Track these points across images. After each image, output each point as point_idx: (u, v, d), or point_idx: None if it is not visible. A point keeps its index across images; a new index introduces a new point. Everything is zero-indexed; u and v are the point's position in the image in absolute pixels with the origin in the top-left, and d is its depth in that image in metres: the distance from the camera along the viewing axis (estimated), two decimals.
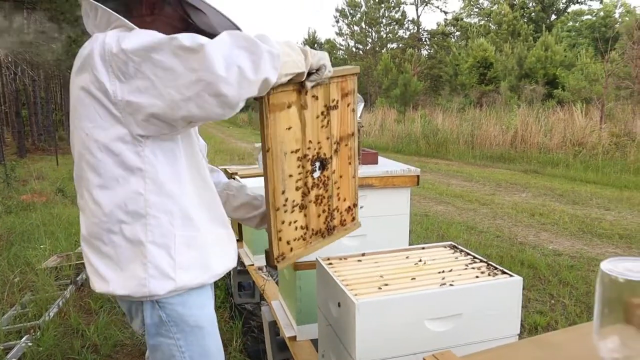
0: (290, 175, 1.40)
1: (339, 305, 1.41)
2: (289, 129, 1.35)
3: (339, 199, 1.58)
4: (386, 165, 2.23)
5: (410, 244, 2.08)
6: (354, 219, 1.65)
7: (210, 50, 1.00)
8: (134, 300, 1.18)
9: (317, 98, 1.42)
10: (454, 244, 1.79)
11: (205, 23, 1.20)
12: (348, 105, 1.52)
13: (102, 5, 1.12)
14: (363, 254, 1.70)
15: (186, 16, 1.19)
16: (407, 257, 1.68)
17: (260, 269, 2.66)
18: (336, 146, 1.52)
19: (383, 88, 23.14)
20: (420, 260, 1.65)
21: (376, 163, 2.29)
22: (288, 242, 1.44)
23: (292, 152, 1.38)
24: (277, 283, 2.47)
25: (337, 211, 1.58)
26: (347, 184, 1.61)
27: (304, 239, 1.47)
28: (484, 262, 1.62)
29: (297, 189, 1.42)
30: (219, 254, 1.24)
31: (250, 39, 1.05)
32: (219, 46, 1.01)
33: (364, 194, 2.07)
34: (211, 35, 1.13)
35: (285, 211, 1.41)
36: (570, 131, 11.08)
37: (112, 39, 1.06)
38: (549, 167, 9.87)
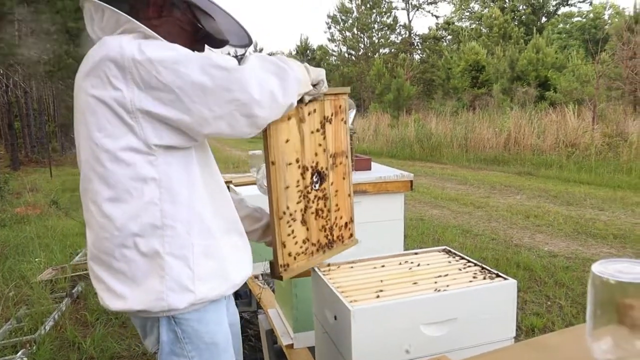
0: (293, 187, 1.41)
1: (335, 317, 1.41)
2: (288, 141, 1.36)
3: (337, 214, 1.59)
4: (379, 171, 2.24)
5: (405, 249, 2.10)
6: (351, 235, 1.66)
7: (246, 73, 1.01)
8: (151, 316, 1.14)
9: (313, 112, 1.44)
10: (448, 248, 1.78)
11: (214, 27, 1.20)
12: (342, 120, 1.54)
13: (109, 6, 1.08)
14: (357, 261, 1.71)
15: (195, 20, 1.17)
16: (401, 263, 1.67)
17: (256, 277, 2.66)
18: (332, 160, 1.54)
19: (376, 93, 23.07)
20: (418, 265, 1.65)
21: (369, 169, 2.29)
22: (290, 254, 1.45)
23: (292, 163, 1.39)
24: (273, 291, 2.46)
25: (336, 226, 1.59)
26: (344, 199, 1.61)
27: (305, 252, 1.48)
28: (478, 265, 1.62)
29: (298, 201, 1.43)
30: (236, 262, 1.22)
31: (278, 64, 1.08)
32: (253, 69, 1.03)
33: (357, 200, 2.07)
34: (219, 40, 1.16)
35: (288, 222, 1.42)
36: (563, 132, 11.11)
37: (133, 45, 1.02)
38: (542, 168, 9.80)
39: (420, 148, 13.05)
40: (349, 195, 1.64)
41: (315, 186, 1.48)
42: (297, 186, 1.42)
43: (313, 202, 1.49)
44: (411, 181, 2.16)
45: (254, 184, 2.99)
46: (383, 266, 1.65)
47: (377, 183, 2.13)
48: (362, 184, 2.11)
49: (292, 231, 1.44)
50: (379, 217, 2.14)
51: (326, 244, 1.56)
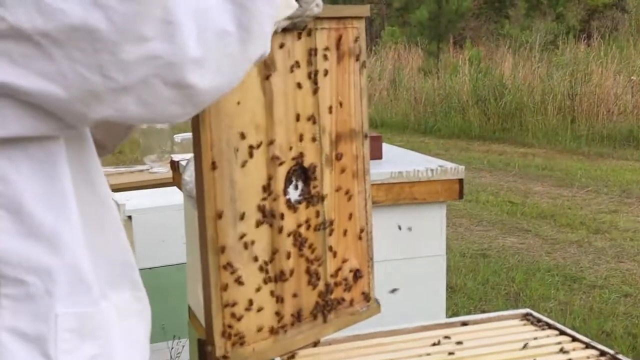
0: (249, 198, 1.48)
1: None
2: (240, 104, 1.43)
3: (339, 254, 1.67)
4: (398, 161, 2.30)
5: (448, 314, 2.26)
6: (367, 295, 1.74)
7: (171, 1, 1.05)
8: None
9: (294, 50, 1.51)
10: (532, 312, 1.82)
11: None
12: (354, 69, 1.63)
13: None
14: (352, 338, 1.75)
15: None
16: (435, 344, 1.71)
17: None
18: (332, 148, 1.61)
19: (395, 7, 21.93)
20: (466, 348, 1.67)
21: (380, 157, 2.30)
22: (238, 332, 1.50)
23: (248, 147, 1.45)
24: None
25: (337, 277, 1.68)
26: (353, 225, 1.70)
27: (272, 327, 1.55)
28: (596, 349, 1.63)
29: (258, 223, 1.49)
30: (126, 344, 1.25)
31: None
32: None
33: None
34: None
35: (235, 269, 1.47)
36: None
37: None
38: None
39: (482, 115, 12.61)
40: (366, 219, 1.71)
41: (294, 197, 1.56)
42: (260, 197, 1.48)
43: (290, 229, 1.56)
44: (461, 181, 2.19)
45: (146, 186, 2.93)
46: (401, 349, 1.70)
47: (393, 184, 2.15)
48: None
49: (243, 284, 1.49)
50: (398, 250, 2.19)
51: (316, 312, 1.62)
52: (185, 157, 2.50)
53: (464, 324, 1.81)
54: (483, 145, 11.61)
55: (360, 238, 1.73)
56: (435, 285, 2.24)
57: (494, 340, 1.73)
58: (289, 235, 1.57)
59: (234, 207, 1.47)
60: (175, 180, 2.53)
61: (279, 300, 1.58)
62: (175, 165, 2.50)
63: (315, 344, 1.70)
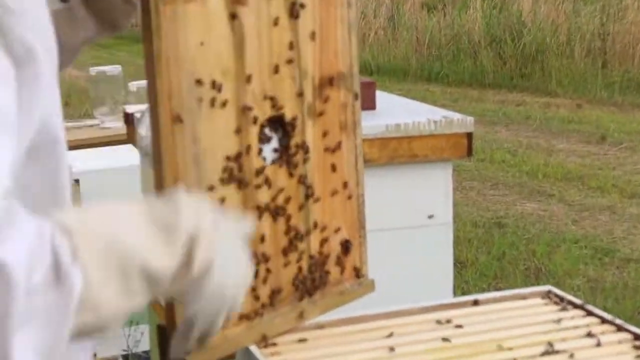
0: (216, 157, 1.49)
1: None
2: (204, 45, 1.44)
3: (324, 223, 1.69)
4: (396, 113, 2.30)
5: (457, 291, 2.34)
6: (358, 272, 1.77)
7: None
8: None
9: None
10: (555, 290, 1.83)
11: None
12: (335, 7, 1.65)
13: None
14: (339, 322, 1.75)
15: None
16: (440, 322, 1.73)
17: None
18: (315, 95, 1.63)
19: None
20: (464, 327, 1.68)
21: (373, 108, 2.32)
22: None
23: (214, 96, 1.46)
24: None
25: (323, 251, 1.70)
26: (341, 189, 1.72)
27: (246, 313, 1.57)
28: (628, 332, 1.63)
29: (224, 187, 1.51)
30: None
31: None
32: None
33: None
34: None
35: None
36: None
37: None
38: None
39: (497, 58, 12.77)
40: (356, 181, 1.73)
41: (270, 156, 1.57)
42: (229, 157, 1.49)
43: (264, 193, 1.57)
44: (469, 134, 2.20)
45: (105, 143, 2.92)
46: (391, 335, 1.70)
47: (389, 140, 2.16)
48: None
49: None
50: (395, 217, 2.20)
51: (297, 291, 1.65)
52: (141, 109, 2.49)
53: (475, 303, 1.80)
54: (498, 94, 11.71)
55: (349, 203, 1.75)
56: (440, 260, 2.24)
57: (508, 322, 1.73)
58: (263, 201, 1.58)
59: (198, 169, 1.47)
60: (131, 136, 2.52)
61: (254, 281, 1.57)
62: (130, 119, 2.49)
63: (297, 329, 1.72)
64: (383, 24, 15.31)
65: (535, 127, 9.33)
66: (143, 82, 3.74)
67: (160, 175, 1.43)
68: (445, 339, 1.65)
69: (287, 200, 1.62)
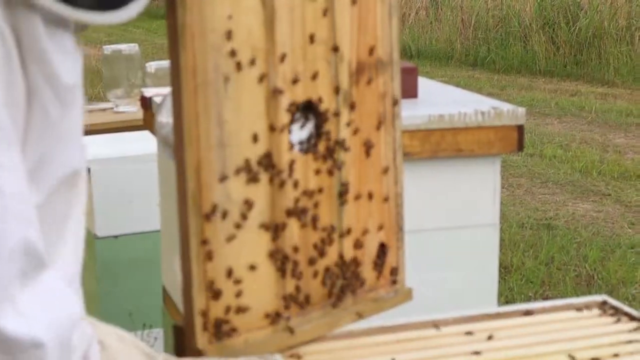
0: (243, 140, 1.50)
1: None
2: (232, 19, 1.44)
3: (359, 223, 1.70)
4: (439, 101, 2.34)
5: (501, 299, 2.25)
6: (395, 278, 1.78)
7: None
8: None
9: None
10: (610, 301, 1.84)
11: None
12: None
13: None
14: (373, 330, 1.76)
15: None
16: (470, 333, 1.74)
17: None
18: (350, 83, 1.64)
19: None
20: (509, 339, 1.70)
21: (415, 96, 2.34)
22: (226, 318, 1.53)
23: (242, 75, 1.47)
24: None
25: (355, 251, 1.71)
26: (378, 186, 1.73)
27: (272, 315, 1.59)
28: None
29: (254, 176, 1.52)
30: None
31: None
32: None
33: None
34: None
35: (231, 235, 1.51)
36: None
37: None
38: None
39: (549, 43, 12.76)
40: (395, 177, 1.74)
41: (300, 146, 1.59)
42: (256, 143, 1.51)
43: (292, 186, 1.58)
44: (520, 127, 2.21)
45: (119, 129, 2.91)
46: (426, 347, 1.72)
47: (431, 132, 2.18)
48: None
49: (235, 253, 1.53)
50: (436, 217, 2.25)
51: (329, 297, 1.67)
52: (160, 93, 2.49)
53: (528, 313, 1.80)
54: (550, 82, 11.68)
55: (386, 202, 1.75)
56: (484, 264, 2.23)
57: (559, 335, 1.72)
58: (292, 196, 1.59)
59: (223, 155, 1.48)
60: (147, 122, 2.52)
61: (281, 279, 1.60)
62: (147, 103, 2.49)
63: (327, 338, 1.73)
64: (425, 3, 15.33)
65: (591, 119, 9.27)
66: (162, 63, 3.75)
67: (182, 162, 1.44)
68: (476, 352, 1.64)
69: (318, 195, 1.62)
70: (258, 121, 1.51)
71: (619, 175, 7.08)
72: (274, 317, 1.58)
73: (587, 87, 11.12)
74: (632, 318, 1.77)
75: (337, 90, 1.61)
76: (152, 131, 2.45)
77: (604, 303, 1.84)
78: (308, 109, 1.58)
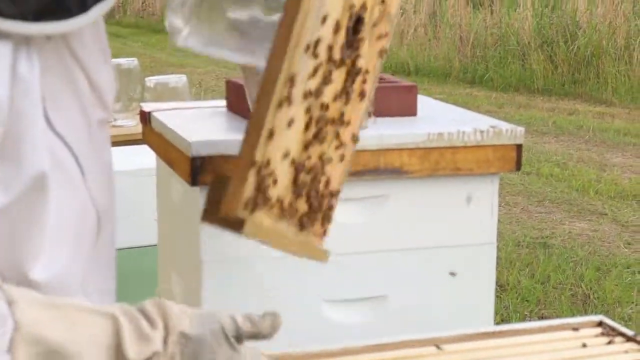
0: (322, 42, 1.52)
1: None
2: None
3: (332, 163, 1.69)
4: (438, 119, 2.32)
5: (497, 318, 2.25)
6: (325, 231, 1.75)
7: None
8: None
9: None
10: (607, 321, 1.83)
11: None
12: None
13: None
14: (364, 349, 1.76)
15: None
16: (469, 352, 1.74)
17: None
18: (379, 9, 1.64)
19: None
20: None
21: (414, 114, 2.33)
22: (263, 186, 1.51)
23: None
24: None
25: (327, 188, 1.70)
26: (348, 134, 1.70)
27: (282, 205, 1.58)
28: None
29: (315, 70, 1.53)
30: None
31: None
32: None
33: (386, 191, 2.15)
34: None
35: (290, 121, 1.52)
36: None
37: None
38: None
39: (547, 62, 12.96)
40: (353, 136, 1.70)
41: (345, 54, 1.60)
42: (332, 31, 1.53)
43: (330, 83, 1.58)
44: (519, 147, 2.22)
45: (117, 142, 2.88)
46: None
47: (430, 150, 2.16)
48: (396, 150, 2.14)
49: (289, 136, 1.53)
50: (433, 235, 2.22)
51: (299, 217, 1.64)
52: (159, 107, 2.49)
53: (525, 332, 1.79)
54: (548, 101, 11.68)
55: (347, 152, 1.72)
56: (481, 282, 2.22)
57: (557, 355, 1.72)
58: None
59: (313, 34, 1.48)
60: (146, 136, 2.51)
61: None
62: (146, 117, 2.48)
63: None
64: (424, 20, 15.24)
65: (588, 138, 9.29)
66: (161, 78, 3.74)
67: (290, 29, 1.45)
68: None
69: (337, 115, 1.64)
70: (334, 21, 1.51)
71: (616, 194, 7.08)
72: (273, 207, 1.55)
73: (584, 106, 11.12)
74: (629, 339, 1.76)
75: (370, 12, 1.61)
76: (151, 145, 2.45)
77: (601, 323, 1.83)
78: (358, 19, 1.58)
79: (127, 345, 1.34)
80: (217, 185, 1.50)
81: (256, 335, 1.44)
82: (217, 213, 1.47)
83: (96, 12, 1.33)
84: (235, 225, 1.46)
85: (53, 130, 1.39)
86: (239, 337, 1.42)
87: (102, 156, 1.54)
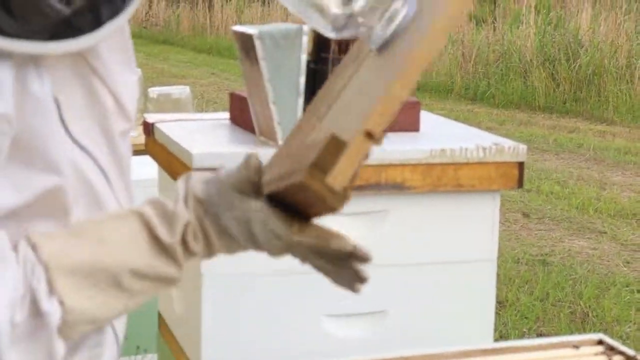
0: None
1: None
2: None
3: None
4: (440, 135, 2.33)
5: (497, 335, 2.27)
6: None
7: None
8: None
9: None
10: (606, 339, 1.84)
11: None
12: None
13: None
14: None
15: None
16: None
17: None
18: None
19: None
20: None
21: (417, 129, 2.34)
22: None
23: None
24: None
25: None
26: None
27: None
28: None
29: None
30: None
31: None
32: None
33: (387, 206, 2.18)
34: None
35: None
36: None
37: None
38: None
39: (549, 79, 12.69)
40: None
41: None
42: None
43: None
44: (521, 164, 2.22)
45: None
46: None
47: (432, 166, 2.17)
48: (400, 165, 2.16)
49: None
50: (435, 251, 2.22)
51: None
52: (163, 119, 2.48)
53: (525, 349, 1.79)
54: (549, 118, 11.66)
55: None
56: (481, 299, 2.23)
57: None
58: None
59: None
60: (149, 147, 2.51)
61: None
62: (149, 128, 2.48)
63: None
64: None
65: (589, 156, 9.26)
66: (164, 89, 3.72)
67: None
68: None
69: None
70: None
71: (616, 213, 7.06)
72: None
73: (585, 124, 11.08)
74: (628, 357, 1.77)
75: None
76: (154, 156, 2.44)
77: (600, 342, 1.84)
78: None
79: (158, 231, 1.35)
80: (333, 149, 1.38)
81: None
82: (322, 179, 1.34)
83: (109, 29, 1.32)
84: (326, 196, 1.35)
85: (76, 143, 1.38)
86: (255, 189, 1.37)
87: (124, 166, 1.53)
